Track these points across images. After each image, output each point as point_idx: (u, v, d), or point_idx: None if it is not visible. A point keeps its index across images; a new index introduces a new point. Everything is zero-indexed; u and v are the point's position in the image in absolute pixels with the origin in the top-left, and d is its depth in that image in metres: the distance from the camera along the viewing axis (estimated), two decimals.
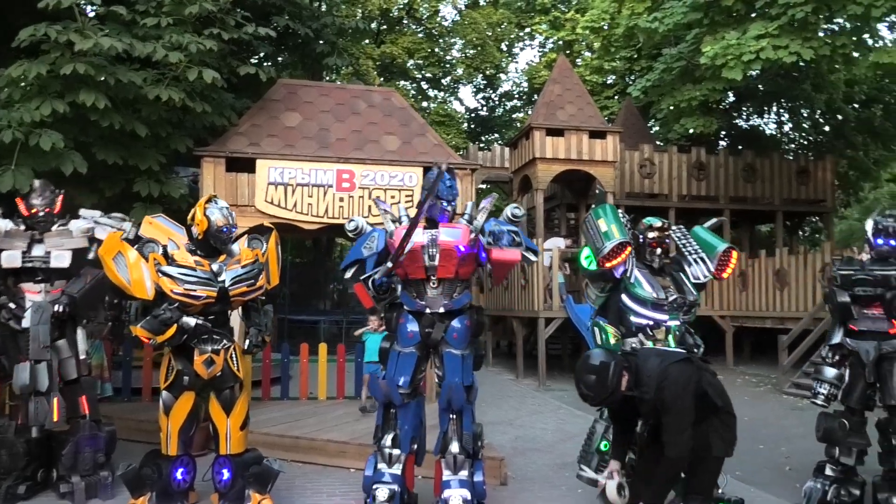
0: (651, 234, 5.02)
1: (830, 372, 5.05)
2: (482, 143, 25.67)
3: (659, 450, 3.96)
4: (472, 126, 29.67)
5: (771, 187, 16.49)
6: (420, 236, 4.41)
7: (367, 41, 23.59)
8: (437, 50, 27.10)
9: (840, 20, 12.36)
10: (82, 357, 5.40)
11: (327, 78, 14.35)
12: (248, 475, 4.76)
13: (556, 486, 5.73)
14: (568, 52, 23.13)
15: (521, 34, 28.90)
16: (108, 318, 8.75)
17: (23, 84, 6.64)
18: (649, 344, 4.88)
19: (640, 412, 4.12)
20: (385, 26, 26.69)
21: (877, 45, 13.22)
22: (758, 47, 10.85)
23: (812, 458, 5.30)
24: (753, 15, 11.83)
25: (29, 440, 5.18)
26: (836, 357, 5.08)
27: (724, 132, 21.17)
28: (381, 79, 24.47)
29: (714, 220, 5.32)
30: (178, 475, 4.75)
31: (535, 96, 22.01)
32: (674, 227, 5.25)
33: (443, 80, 28.62)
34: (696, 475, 4.06)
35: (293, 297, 17.76)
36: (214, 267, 4.66)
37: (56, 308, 5.17)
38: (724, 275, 4.95)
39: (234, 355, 4.79)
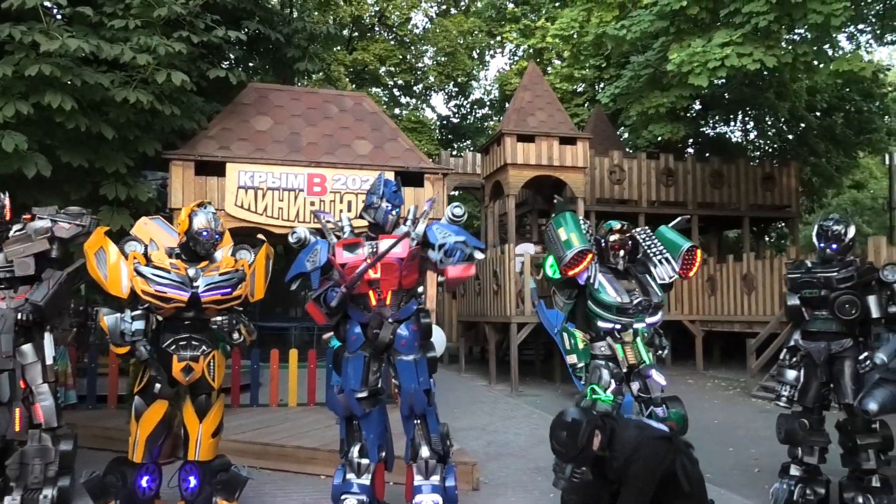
0: (612, 237, 5.09)
1: (791, 374, 5.11)
2: (454, 150, 25.73)
3: None
4: (444, 133, 29.76)
5: (738, 193, 16.77)
6: (359, 250, 4.37)
7: (338, 48, 23.53)
8: (408, 57, 27.16)
9: (801, 30, 12.66)
10: (49, 363, 5.25)
11: (299, 83, 14.27)
12: (215, 482, 4.67)
13: (529, 491, 5.73)
14: (538, 60, 23.32)
15: (492, 42, 29.09)
16: (73, 324, 8.60)
17: None
18: (618, 348, 4.95)
19: (607, 473, 4.12)
20: (357, 33, 26.67)
21: (837, 54, 13.55)
22: (723, 55, 11.05)
23: (780, 460, 5.37)
24: (718, 24, 12.04)
25: None
26: (794, 359, 5.16)
27: (691, 139, 21.51)
28: (353, 85, 24.44)
29: (678, 219, 5.38)
30: (144, 483, 4.63)
31: (507, 104, 22.14)
32: (638, 229, 5.32)
33: (415, 87, 28.68)
34: None
35: (263, 304, 17.53)
36: (191, 272, 4.56)
37: (19, 316, 5.03)
38: (690, 274, 5.02)
39: (212, 363, 4.70)
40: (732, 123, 23.16)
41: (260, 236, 5.19)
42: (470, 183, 18.79)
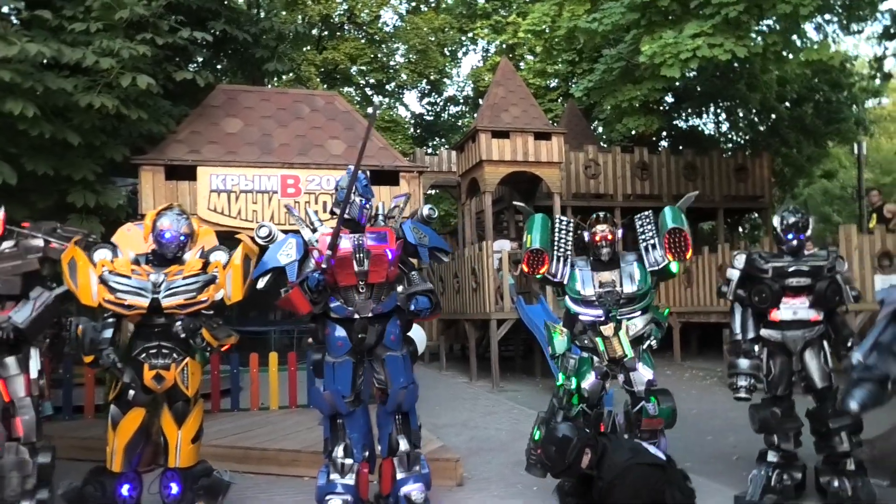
0: (594, 229, 5.09)
1: (745, 363, 5.06)
2: (429, 149, 25.69)
3: None
4: (418, 131, 29.68)
5: (711, 185, 16.94)
6: (346, 242, 4.36)
7: (308, 47, 23.37)
8: (379, 55, 27.04)
9: (770, 21, 12.81)
10: (34, 376, 5.14)
11: (269, 84, 14.17)
12: (197, 488, 4.61)
13: (512, 485, 5.72)
14: (511, 55, 23.34)
15: (464, 39, 29.08)
16: (47, 335, 8.38)
17: None
18: (598, 341, 4.93)
19: (593, 493, 4.09)
20: (326, 32, 26.50)
21: (805, 45, 13.72)
22: (694, 46, 11.13)
23: (758, 447, 5.40)
24: (689, 15, 12.13)
25: None
26: (754, 348, 5.15)
27: (664, 132, 21.70)
28: (325, 85, 24.29)
29: (686, 197, 5.24)
30: (125, 491, 4.57)
31: (480, 100, 22.16)
32: (639, 215, 5.19)
33: (387, 86, 28.55)
34: None
35: (241, 308, 17.36)
36: (154, 277, 4.46)
37: (0, 335, 4.92)
38: (687, 257, 4.88)
39: (185, 370, 4.61)
40: (705, 116, 23.40)
41: (239, 236, 5.11)
42: (446, 181, 18.76)
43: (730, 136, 23.82)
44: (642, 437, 4.77)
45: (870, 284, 9.58)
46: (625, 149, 16.94)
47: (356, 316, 4.43)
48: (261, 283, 4.54)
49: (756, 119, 22.02)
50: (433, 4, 28.90)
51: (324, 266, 4.25)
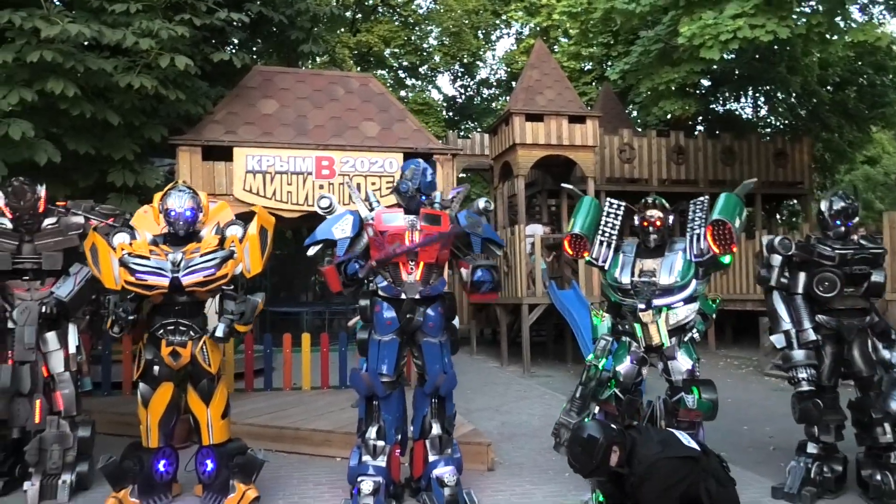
0: (643, 213, 4.98)
1: (801, 353, 4.92)
2: (461, 132, 25.56)
3: None
4: (451, 114, 29.54)
5: (749, 170, 16.55)
6: (401, 221, 4.42)
7: (342, 30, 23.35)
8: (413, 38, 26.92)
9: (813, 2, 12.44)
10: (72, 352, 5.26)
11: (303, 66, 14.18)
12: (232, 465, 4.68)
13: (544, 471, 5.70)
14: (545, 38, 23.05)
15: (498, 22, 28.78)
16: (86, 311, 8.56)
17: None
18: (637, 327, 4.83)
19: (626, 488, 3.94)
20: (360, 15, 26.44)
21: (849, 27, 13.30)
22: (735, 26, 10.85)
23: (796, 438, 5.30)
24: None
25: (5, 435, 5.08)
26: (811, 337, 5.00)
27: (700, 117, 21.26)
28: (358, 68, 24.26)
29: (744, 183, 5.01)
30: (161, 467, 4.67)
31: (513, 83, 21.96)
32: (694, 200, 4.99)
33: (420, 69, 28.43)
34: None
35: (274, 289, 17.58)
36: (173, 256, 4.50)
37: (43, 309, 5.04)
38: (732, 249, 4.61)
39: (204, 348, 4.66)
40: (743, 99, 22.86)
41: (253, 208, 5.16)
42: (478, 164, 18.64)
43: (768, 120, 23.25)
44: (680, 426, 4.66)
45: None
46: (660, 133, 16.64)
47: (404, 296, 4.44)
48: (311, 251, 4.64)
49: (796, 103, 21.44)
50: None
51: (363, 274, 4.40)
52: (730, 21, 10.95)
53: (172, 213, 4.62)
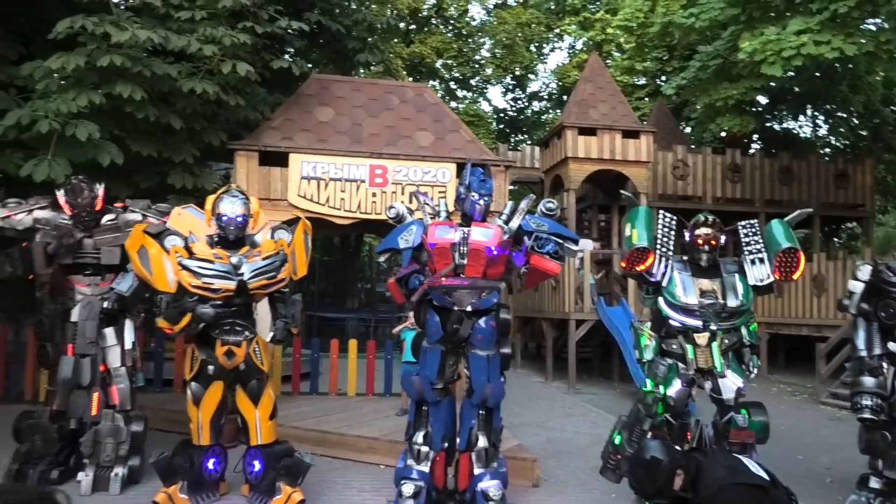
0: (697, 231, 4.86)
1: (870, 381, 4.75)
2: (511, 144, 25.50)
3: None
4: (501, 126, 29.53)
5: (808, 190, 16.12)
6: (451, 234, 4.39)
7: (396, 40, 23.58)
8: (465, 50, 27.02)
9: (879, 19, 12.05)
10: (128, 347, 5.40)
11: (358, 75, 14.36)
12: (279, 467, 4.73)
13: (590, 490, 5.60)
14: (598, 52, 22.92)
15: (551, 35, 28.70)
16: (140, 309, 8.78)
17: (56, 76, 6.68)
18: (689, 348, 4.71)
19: None
20: (414, 26, 26.67)
21: None
22: (798, 42, 10.58)
23: (855, 470, 5.10)
24: (793, 11, 11.55)
25: (63, 426, 5.23)
26: (882, 365, 4.82)
27: (756, 135, 20.78)
28: (410, 78, 24.44)
29: (798, 213, 4.95)
30: (210, 465, 4.74)
31: (565, 97, 21.82)
32: (744, 222, 4.95)
33: (472, 80, 28.52)
34: None
35: (321, 295, 17.77)
36: (234, 259, 4.60)
37: (105, 305, 5.20)
38: (794, 277, 4.63)
39: (257, 348, 4.74)
40: (802, 118, 22.28)
41: (296, 214, 5.25)
42: (528, 177, 18.57)
43: (828, 139, 22.60)
44: (732, 449, 4.56)
45: None
46: (715, 150, 16.33)
47: (455, 308, 4.42)
48: (382, 259, 4.88)
49: (858, 122, 20.81)
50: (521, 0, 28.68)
51: (416, 298, 4.44)
52: (793, 37, 10.69)
53: (225, 218, 4.71)
